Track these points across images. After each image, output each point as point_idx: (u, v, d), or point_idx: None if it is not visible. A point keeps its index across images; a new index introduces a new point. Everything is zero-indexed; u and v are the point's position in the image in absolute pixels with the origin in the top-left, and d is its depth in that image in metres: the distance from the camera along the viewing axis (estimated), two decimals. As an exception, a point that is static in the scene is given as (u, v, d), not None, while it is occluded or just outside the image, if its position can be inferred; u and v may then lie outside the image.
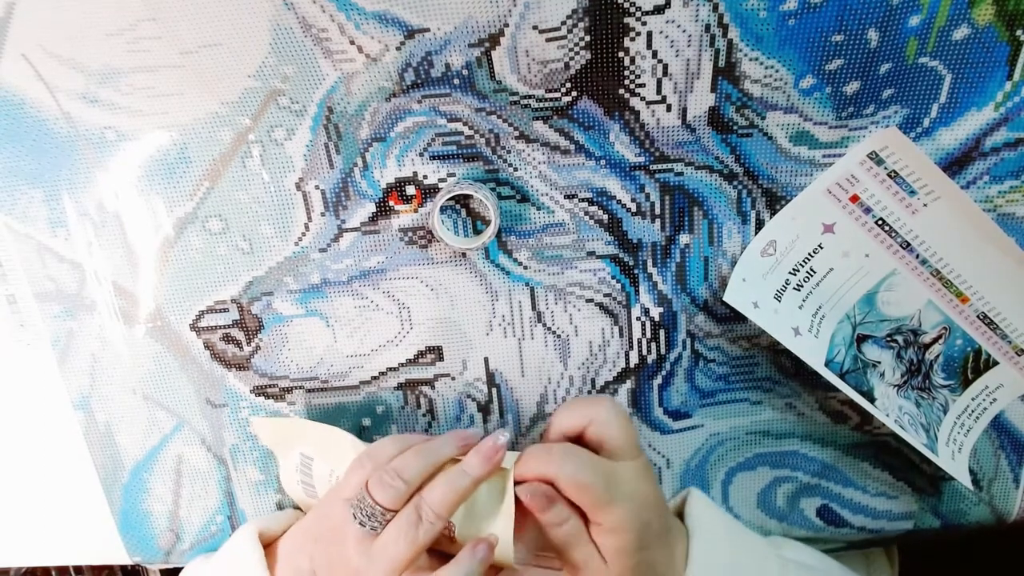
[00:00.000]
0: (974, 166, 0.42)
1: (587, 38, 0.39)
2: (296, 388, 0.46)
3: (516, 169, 0.42)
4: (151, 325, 0.45)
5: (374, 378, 0.46)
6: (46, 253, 0.44)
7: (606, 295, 0.45)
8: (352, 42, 0.39)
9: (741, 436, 0.48)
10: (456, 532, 0.38)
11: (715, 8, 0.38)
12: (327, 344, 0.45)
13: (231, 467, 0.48)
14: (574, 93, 0.40)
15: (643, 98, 0.40)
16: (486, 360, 0.46)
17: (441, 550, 0.39)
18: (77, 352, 0.46)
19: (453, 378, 0.47)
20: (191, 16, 0.38)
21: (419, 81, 0.40)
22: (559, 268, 0.44)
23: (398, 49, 0.39)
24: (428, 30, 0.39)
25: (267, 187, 0.42)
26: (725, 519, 0.44)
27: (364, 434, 0.48)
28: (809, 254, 0.43)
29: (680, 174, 0.42)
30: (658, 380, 0.47)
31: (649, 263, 0.44)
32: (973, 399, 0.46)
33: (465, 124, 0.41)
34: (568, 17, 0.38)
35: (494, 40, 0.39)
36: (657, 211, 0.43)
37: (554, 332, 0.46)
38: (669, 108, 0.41)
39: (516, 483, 0.37)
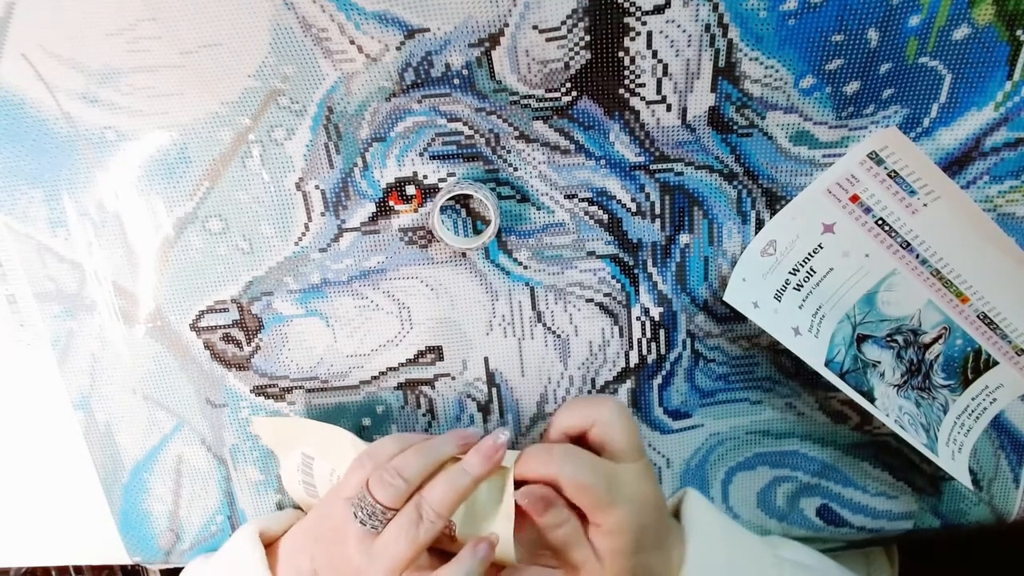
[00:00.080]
0: (974, 166, 0.42)
1: (587, 38, 0.39)
2: (296, 388, 0.46)
3: (516, 169, 0.42)
4: (151, 325, 0.45)
5: (374, 378, 0.46)
6: (46, 253, 0.44)
7: (606, 295, 0.45)
8: (352, 42, 0.39)
9: (741, 436, 0.48)
10: (457, 531, 0.39)
11: (715, 8, 0.38)
12: (327, 344, 0.45)
13: (231, 467, 0.48)
14: (574, 93, 0.40)
15: (643, 98, 0.40)
16: (486, 360, 0.46)
17: (442, 548, 0.39)
18: (77, 352, 0.46)
19: (453, 378, 0.47)
20: (191, 16, 0.38)
21: (419, 81, 0.40)
22: (559, 268, 0.44)
23: (398, 49, 0.39)
24: (428, 30, 0.39)
25: (267, 187, 0.42)
26: (722, 520, 0.44)
27: (364, 434, 0.48)
28: (809, 254, 0.43)
29: (680, 174, 0.42)
30: (658, 380, 0.47)
31: (649, 263, 0.44)
32: (973, 399, 0.46)
33: (465, 124, 0.41)
34: (568, 17, 0.38)
35: (494, 40, 0.39)
36: (657, 211, 0.43)
37: (554, 332, 0.46)
38: (669, 108, 0.41)
39: (516, 483, 0.37)
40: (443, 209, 0.43)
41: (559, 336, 0.46)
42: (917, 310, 0.44)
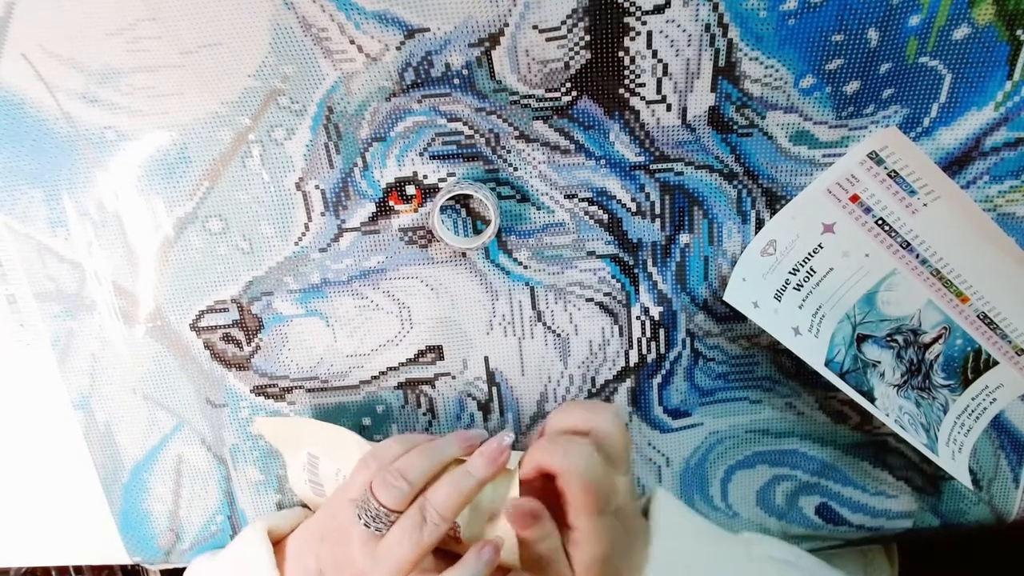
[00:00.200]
0: (974, 166, 0.42)
1: (587, 38, 0.39)
2: (296, 388, 0.46)
3: (516, 169, 0.42)
4: (151, 325, 0.45)
5: (374, 378, 0.46)
6: (46, 253, 0.44)
7: (606, 294, 0.45)
8: (352, 42, 0.39)
9: (740, 434, 0.48)
10: (462, 532, 0.38)
11: (715, 8, 0.38)
12: (327, 344, 0.45)
13: (231, 467, 0.48)
14: (574, 93, 0.40)
15: (643, 98, 0.40)
16: (486, 359, 0.46)
17: (447, 550, 0.39)
18: (77, 352, 0.46)
19: (453, 377, 0.47)
20: (191, 16, 0.38)
21: (419, 81, 0.40)
22: (559, 268, 0.44)
23: (398, 49, 0.39)
24: (428, 30, 0.39)
25: (267, 187, 0.42)
26: (691, 518, 0.44)
27: (364, 433, 0.47)
28: (809, 254, 0.43)
29: (680, 174, 0.42)
30: (658, 379, 0.47)
31: (649, 262, 0.44)
32: (973, 399, 0.46)
33: (465, 124, 0.41)
34: (568, 17, 0.38)
35: (494, 40, 0.39)
36: (657, 211, 0.43)
37: (554, 331, 0.46)
38: (669, 108, 0.41)
39: (520, 481, 0.37)
40: (443, 209, 0.43)
41: (559, 335, 0.46)
42: (917, 310, 0.44)
